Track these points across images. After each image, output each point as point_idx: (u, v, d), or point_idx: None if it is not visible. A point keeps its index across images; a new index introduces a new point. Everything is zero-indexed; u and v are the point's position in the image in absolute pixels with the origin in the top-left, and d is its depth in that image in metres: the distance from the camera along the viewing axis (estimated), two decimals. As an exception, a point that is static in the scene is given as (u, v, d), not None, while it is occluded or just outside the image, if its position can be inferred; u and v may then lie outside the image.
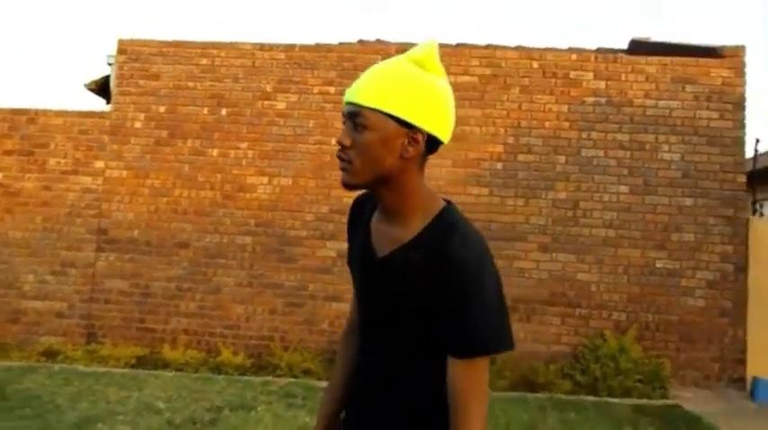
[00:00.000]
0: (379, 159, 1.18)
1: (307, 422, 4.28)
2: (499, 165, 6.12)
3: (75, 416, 4.19)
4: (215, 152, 6.34)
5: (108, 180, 6.36)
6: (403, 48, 6.33)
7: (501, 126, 6.16)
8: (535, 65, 6.22)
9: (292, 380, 5.47)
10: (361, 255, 1.33)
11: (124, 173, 6.36)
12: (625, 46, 8.82)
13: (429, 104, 1.20)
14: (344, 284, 6.07)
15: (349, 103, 1.22)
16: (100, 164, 6.40)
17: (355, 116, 1.19)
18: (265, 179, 6.27)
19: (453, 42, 9.03)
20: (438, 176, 6.14)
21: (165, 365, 5.69)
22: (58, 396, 4.63)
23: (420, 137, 1.19)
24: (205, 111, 6.39)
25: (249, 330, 6.05)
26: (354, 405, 1.38)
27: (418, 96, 1.19)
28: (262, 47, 6.50)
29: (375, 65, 1.23)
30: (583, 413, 4.90)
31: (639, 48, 8.11)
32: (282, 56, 6.42)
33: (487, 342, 1.15)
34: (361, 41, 8.88)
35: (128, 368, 5.66)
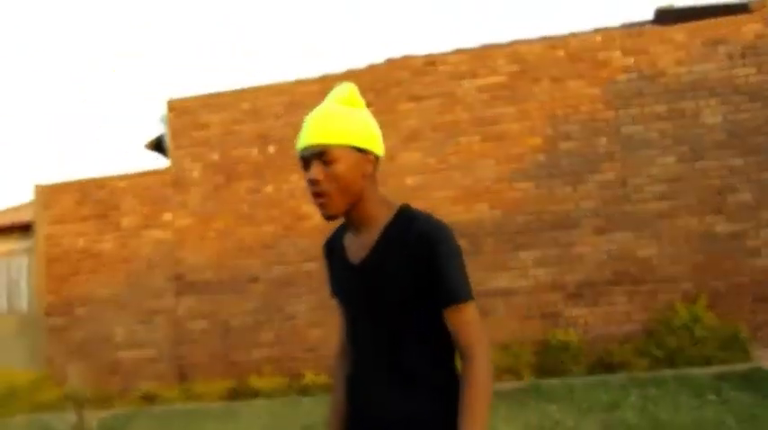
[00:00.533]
0: (351, 184, 1.39)
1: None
2: (541, 157, 6.23)
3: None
4: (270, 188, 6.70)
5: (177, 229, 6.82)
6: (431, 60, 6.58)
7: (537, 118, 6.27)
8: (561, 53, 6.32)
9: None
10: (343, 275, 1.51)
11: (190, 220, 6.81)
12: (651, 17, 8.77)
13: (369, 131, 1.43)
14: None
15: (310, 146, 1.39)
16: (168, 216, 6.88)
17: (322, 154, 1.38)
18: (319, 206, 6.57)
19: (477, 44, 9.20)
20: (484, 176, 6.31)
21: (255, 394, 6.04)
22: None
23: (372, 157, 1.42)
24: (255, 151, 6.77)
25: (328, 350, 6.34)
26: (359, 403, 1.51)
27: (361, 127, 1.41)
28: (297, 82, 6.85)
29: (313, 113, 1.41)
30: (663, 387, 4.92)
31: (666, 16, 8.07)
32: (317, 87, 6.75)
33: (465, 290, 1.36)
34: (389, 60, 9.15)
35: (221, 401, 6.03)
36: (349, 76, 6.85)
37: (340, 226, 1.59)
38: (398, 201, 1.47)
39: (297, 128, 6.72)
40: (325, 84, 6.75)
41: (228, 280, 6.65)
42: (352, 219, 1.47)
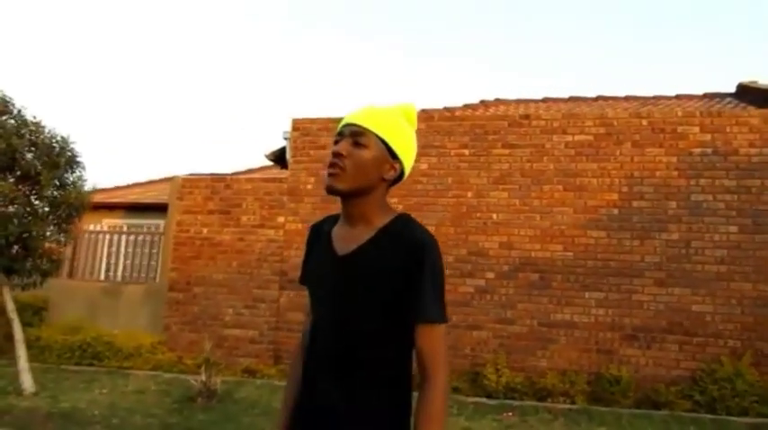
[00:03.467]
0: (368, 174, 1.45)
1: (466, 426, 5.40)
2: (615, 211, 7.04)
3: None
4: (371, 207, 7.74)
5: (287, 232, 7.94)
6: (526, 115, 7.49)
7: (615, 177, 7.09)
8: (644, 122, 7.13)
9: (444, 395, 6.62)
10: (323, 262, 1.53)
11: (299, 225, 7.92)
12: (732, 89, 9.44)
13: (408, 147, 1.52)
14: (482, 316, 7.19)
15: (353, 125, 1.47)
16: (281, 219, 8.01)
17: (359, 135, 1.46)
18: (413, 228, 7.56)
19: (566, 96, 10.07)
20: (561, 222, 7.16)
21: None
22: (272, 401, 6.07)
23: (398, 166, 1.50)
24: (362, 173, 7.83)
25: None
26: (304, 411, 1.49)
27: (403, 138, 1.50)
28: (406, 119, 7.88)
29: (375, 105, 1.52)
30: (702, 428, 5.64)
31: (746, 93, 8.75)
32: (424, 126, 7.75)
33: (441, 312, 1.41)
34: (482, 101, 10.13)
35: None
36: (454, 118, 7.82)
37: (331, 216, 1.62)
38: (397, 210, 1.55)
39: (401, 158, 7.75)
40: (430, 123, 7.74)
41: (327, 281, 7.71)
42: (351, 209, 1.49)
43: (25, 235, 6.06)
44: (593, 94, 10.01)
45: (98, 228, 10.17)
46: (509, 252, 7.24)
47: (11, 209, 6.01)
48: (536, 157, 7.36)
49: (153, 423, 5.20)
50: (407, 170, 1.52)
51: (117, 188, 12.09)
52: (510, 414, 5.86)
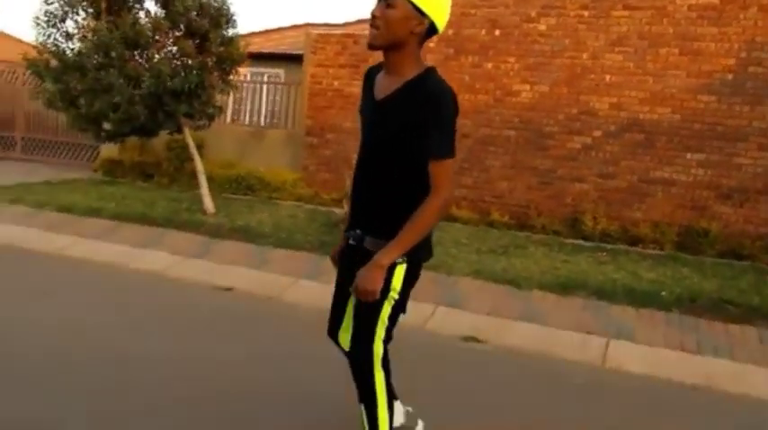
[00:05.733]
0: (397, 30, 1.78)
1: (565, 260, 6.43)
2: (729, 76, 7.26)
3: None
4: (489, 65, 8.35)
5: (410, 87, 8.76)
6: (651, -24, 7.52)
7: (735, 42, 7.22)
8: (776, -15, 7.05)
9: (545, 236, 7.67)
10: (367, 101, 1.98)
11: (422, 81, 8.69)
12: None
13: (436, 3, 1.81)
14: (586, 170, 7.93)
15: None
16: (404, 75, 8.80)
17: None
18: (528, 86, 8.17)
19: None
20: (673, 85, 7.51)
21: (455, 220, 8.20)
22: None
23: (426, 21, 1.80)
24: (483, 32, 8.34)
25: (512, 200, 8.29)
26: (352, 202, 2.08)
27: None
28: (528, -22, 8.13)
29: None
30: (779, 276, 6.37)
31: None
32: (545, -15, 8.01)
33: (448, 148, 1.84)
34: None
35: (429, 220, 8.28)
36: (575, -21, 7.98)
37: (379, 63, 2.02)
38: (427, 65, 1.92)
39: (521, 17, 8.14)
40: (552, -17, 7.98)
41: (444, 133, 8.61)
42: (388, 60, 1.89)
43: (198, 85, 7.29)
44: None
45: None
46: (618, 113, 7.74)
47: (190, 62, 7.18)
48: (656, 20, 7.54)
49: (312, 239, 6.61)
50: (440, 25, 1.86)
51: (252, 34, 13.01)
52: (604, 254, 6.83)
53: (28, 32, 45.89)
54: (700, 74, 7.38)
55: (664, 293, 5.24)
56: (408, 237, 1.86)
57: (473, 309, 4.77)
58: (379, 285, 1.87)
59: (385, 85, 1.92)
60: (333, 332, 2.26)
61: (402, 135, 1.86)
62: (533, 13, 8.07)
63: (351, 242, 2.08)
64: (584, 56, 7.86)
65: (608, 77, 7.78)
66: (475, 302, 4.90)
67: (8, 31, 25.44)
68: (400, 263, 1.93)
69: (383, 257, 1.87)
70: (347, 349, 2.15)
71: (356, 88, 9.07)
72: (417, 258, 2.00)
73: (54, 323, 4.00)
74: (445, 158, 1.86)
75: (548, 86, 8.05)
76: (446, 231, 7.50)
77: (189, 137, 7.70)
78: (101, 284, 5.08)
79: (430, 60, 8.39)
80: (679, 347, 4.21)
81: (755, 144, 7.21)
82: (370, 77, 2.05)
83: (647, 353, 4.14)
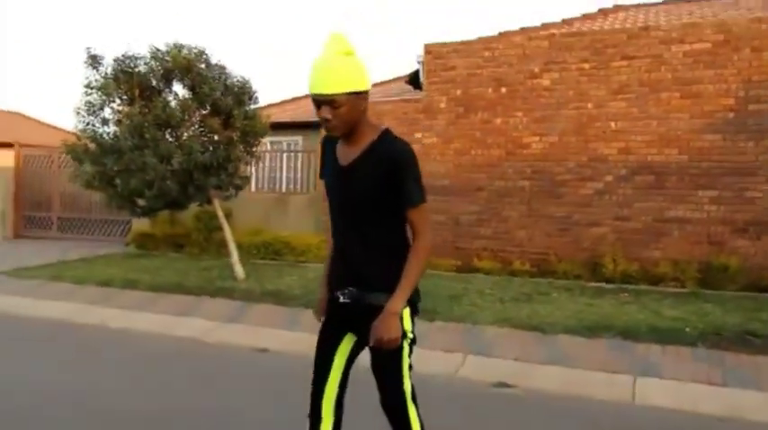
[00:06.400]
0: (352, 118, 1.97)
1: (588, 304, 6.58)
2: (731, 115, 7.55)
3: (443, 293, 7.03)
4: (498, 121, 8.74)
5: (424, 146, 9.16)
6: (646, 26, 7.96)
7: (732, 82, 7.54)
8: (764, 27, 7.42)
9: (567, 281, 7.82)
10: (332, 170, 2.12)
11: (435, 140, 9.10)
12: None
13: (363, 76, 1.96)
14: (601, 215, 8.15)
15: (321, 95, 1.92)
16: (418, 134, 9.22)
17: (332, 102, 1.93)
18: (537, 138, 8.52)
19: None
20: (677, 127, 7.80)
21: (476, 271, 8.41)
22: (423, 284, 7.53)
23: (365, 95, 1.98)
24: (490, 90, 8.78)
25: (531, 247, 8.50)
26: (341, 263, 2.16)
27: (356, 73, 1.94)
28: (530, 37, 8.62)
29: (319, 62, 1.92)
30: (802, 306, 6.44)
31: None
32: (546, 43, 8.48)
33: (420, 195, 2.01)
34: (601, 10, 10.47)
35: (452, 272, 8.51)
36: (575, 34, 8.44)
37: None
38: (381, 125, 2.08)
39: (525, 74, 8.57)
40: (553, 40, 8.44)
41: (460, 187, 8.95)
42: (348, 135, 2.04)
43: (225, 158, 7.74)
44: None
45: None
46: (626, 157, 8.03)
47: (215, 138, 7.65)
48: (654, 67, 7.91)
49: (340, 299, 6.84)
50: (369, 86, 2.01)
51: (270, 106, 13.70)
52: (626, 295, 6.97)
53: (54, 117, 48.04)
54: (702, 114, 7.68)
55: (688, 329, 5.36)
56: (409, 282, 2.01)
57: (501, 355, 4.94)
58: (399, 331, 2.01)
59: (347, 152, 2.08)
60: (317, 395, 2.23)
61: (375, 192, 2.01)
62: (536, 70, 8.50)
63: (343, 301, 2.16)
64: (589, 105, 8.22)
65: (613, 124, 8.10)
66: (503, 349, 5.07)
67: (41, 118, 26.77)
68: (404, 307, 2.06)
69: (395, 305, 2.00)
70: (326, 417, 2.20)
71: (373, 150, 9.48)
72: (416, 299, 2.17)
73: (111, 388, 4.26)
74: (421, 204, 2.03)
75: (556, 137, 8.39)
76: (470, 282, 7.70)
77: (218, 208, 8.10)
78: (144, 353, 5.34)
79: (441, 120, 8.82)
80: (706, 381, 4.33)
81: (764, 177, 7.41)
82: (328, 146, 2.20)
83: (674, 388, 4.27)
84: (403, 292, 2.01)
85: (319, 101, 1.95)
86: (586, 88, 8.22)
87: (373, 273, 2.07)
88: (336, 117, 1.96)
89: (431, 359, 4.75)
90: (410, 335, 2.13)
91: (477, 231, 8.85)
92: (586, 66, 8.25)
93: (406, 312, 2.10)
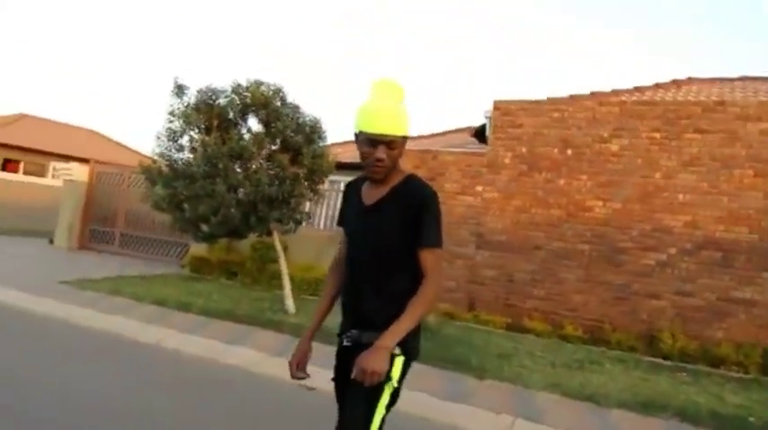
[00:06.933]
0: (397, 161, 2.07)
1: (643, 378, 6.34)
2: (808, 199, 7.29)
3: (493, 351, 6.91)
4: (562, 181, 8.69)
5: (484, 199, 9.17)
6: (722, 101, 7.86)
7: (812, 165, 7.30)
8: None
9: (621, 352, 7.57)
10: (356, 210, 2.16)
11: (496, 195, 9.10)
12: None
13: (409, 122, 2.07)
14: (662, 287, 7.92)
15: (384, 135, 2.00)
16: (479, 188, 9.25)
17: (390, 143, 2.02)
18: (600, 203, 8.41)
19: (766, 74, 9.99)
20: (749, 205, 7.58)
21: (527, 331, 8.25)
22: (473, 339, 7.46)
23: (406, 140, 2.09)
24: (555, 151, 8.77)
25: (586, 313, 8.30)
26: (350, 308, 2.16)
27: (407, 121, 2.06)
28: (600, 102, 8.62)
29: (383, 108, 2.01)
30: None
31: None
32: (617, 109, 8.46)
33: (437, 238, 2.03)
34: (674, 81, 10.39)
35: (502, 330, 8.37)
36: (647, 103, 8.40)
37: (360, 177, 2.23)
38: (407, 171, 2.15)
39: (593, 138, 8.54)
40: (624, 107, 8.42)
41: (517, 244, 8.88)
42: (382, 177, 2.08)
43: (290, 193, 7.93)
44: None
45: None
46: (693, 231, 7.82)
47: (282, 173, 7.87)
48: (728, 143, 7.76)
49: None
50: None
51: (333, 145, 13.99)
52: (684, 374, 6.68)
53: (124, 135, 50.50)
54: (777, 195, 7.45)
55: (752, 419, 5.09)
56: (407, 322, 1.94)
57: (552, 423, 4.79)
58: (385, 366, 1.88)
59: (373, 194, 2.12)
60: None
61: (396, 232, 2.03)
62: (605, 134, 8.46)
63: (345, 344, 2.16)
64: (657, 175, 8.10)
65: (681, 196, 7.94)
66: (554, 417, 4.92)
67: (112, 136, 28.17)
68: (398, 355, 1.99)
69: (386, 340, 1.91)
70: None
71: (432, 199, 9.54)
72: (414, 351, 2.10)
73: (159, 409, 4.34)
74: (436, 248, 2.03)
75: (620, 203, 8.27)
76: (520, 342, 7.56)
77: (277, 240, 8.27)
78: (195, 377, 5.42)
79: (504, 176, 8.84)
80: (771, 477, 4.08)
81: (841, 267, 7.08)
82: (352, 190, 2.25)
83: (736, 480, 4.03)
84: (398, 330, 1.93)
85: (377, 141, 2.01)
86: (656, 157, 8.12)
87: (380, 317, 2.02)
88: (389, 158, 2.03)
89: (479, 418, 4.65)
90: (395, 384, 2.01)
91: (530, 291, 8.72)
92: (657, 135, 8.16)
93: (399, 359, 2.02)
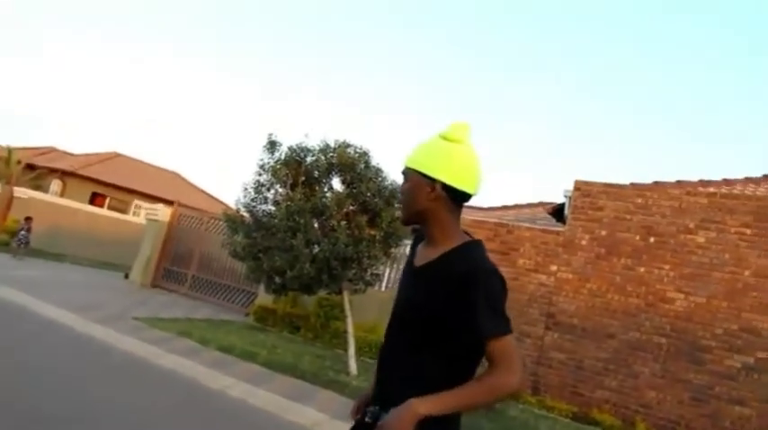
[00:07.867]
0: (414, 200, 1.77)
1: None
2: None
3: (559, 441, 6.59)
4: (642, 269, 8.40)
5: (558, 279, 8.96)
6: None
7: None
8: None
9: (699, 459, 7.05)
10: (407, 269, 1.88)
11: (570, 276, 8.89)
12: None
13: (447, 162, 1.73)
14: (747, 393, 7.40)
15: (403, 167, 1.82)
16: (553, 267, 9.07)
17: (404, 175, 1.81)
18: (682, 295, 8.06)
19: None
20: None
21: (595, 423, 7.83)
22: (539, 426, 7.13)
23: (437, 185, 1.72)
24: (637, 237, 8.54)
25: (660, 412, 7.83)
26: (377, 379, 1.83)
27: (439, 158, 1.74)
28: (687, 192, 8.39)
29: (424, 139, 1.81)
30: None
31: None
32: (705, 200, 8.20)
33: (493, 324, 1.59)
34: (765, 176, 10.03)
35: (567, 419, 7.98)
36: (738, 197, 8.11)
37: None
38: (471, 236, 1.80)
39: (678, 228, 8.27)
40: (713, 199, 8.16)
41: (590, 329, 8.56)
42: (425, 231, 1.84)
43: (364, 255, 8.01)
44: None
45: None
46: (785, 336, 7.34)
47: (359, 234, 7.98)
48: (827, 246, 7.35)
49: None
50: (463, 184, 1.74)
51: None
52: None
53: (204, 180, 52.96)
54: None
55: None
56: (453, 399, 1.63)
57: None
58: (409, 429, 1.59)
59: (425, 254, 1.83)
60: None
61: (431, 308, 1.71)
62: (692, 225, 8.19)
63: (366, 420, 1.82)
64: (746, 273, 7.72)
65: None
66: None
67: (193, 180, 29.55)
68: (430, 416, 1.62)
69: (419, 405, 1.60)
70: None
71: (503, 274, 9.42)
72: None
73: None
74: (503, 336, 1.65)
75: (704, 298, 7.89)
76: (587, 434, 7.17)
77: (346, 299, 8.31)
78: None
79: (580, 257, 8.65)
80: None
81: None
82: (415, 245, 1.95)
83: None
84: (439, 401, 1.61)
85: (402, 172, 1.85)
86: (745, 254, 7.76)
87: (403, 393, 1.66)
88: (402, 193, 1.85)
89: None
90: None
91: (601, 380, 8.32)
92: (747, 231, 7.83)
93: None
